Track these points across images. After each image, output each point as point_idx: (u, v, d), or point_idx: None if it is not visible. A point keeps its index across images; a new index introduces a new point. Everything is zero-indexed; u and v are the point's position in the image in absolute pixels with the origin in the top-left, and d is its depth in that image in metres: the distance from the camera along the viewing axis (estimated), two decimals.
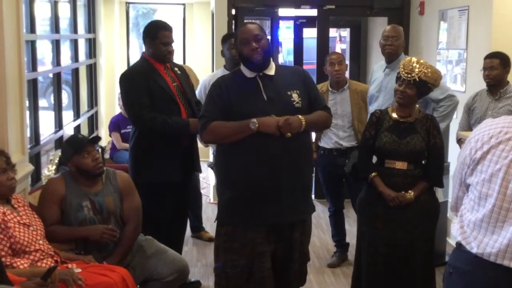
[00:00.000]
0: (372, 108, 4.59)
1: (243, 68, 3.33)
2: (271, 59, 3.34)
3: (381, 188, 3.66)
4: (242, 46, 3.26)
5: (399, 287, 3.67)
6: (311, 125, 3.31)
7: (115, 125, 6.53)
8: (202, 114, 3.34)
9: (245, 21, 6.85)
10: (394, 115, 3.69)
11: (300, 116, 3.22)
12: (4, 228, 3.06)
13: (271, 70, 3.32)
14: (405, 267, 3.63)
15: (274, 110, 3.18)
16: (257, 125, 3.13)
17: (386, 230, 3.64)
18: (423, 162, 3.71)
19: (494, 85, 4.50)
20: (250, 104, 3.19)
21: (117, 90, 7.24)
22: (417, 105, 3.71)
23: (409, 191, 3.60)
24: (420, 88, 3.60)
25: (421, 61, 3.62)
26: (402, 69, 3.60)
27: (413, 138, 3.61)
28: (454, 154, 4.64)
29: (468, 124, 4.62)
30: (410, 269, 3.63)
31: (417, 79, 3.55)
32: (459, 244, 2.28)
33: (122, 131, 6.45)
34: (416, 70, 3.55)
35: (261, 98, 3.24)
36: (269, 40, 3.34)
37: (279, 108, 3.19)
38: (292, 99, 3.26)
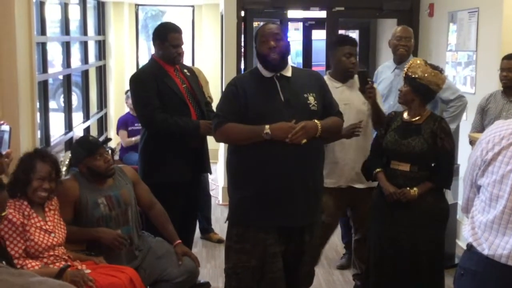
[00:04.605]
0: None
1: (260, 67, 3.33)
2: (288, 61, 3.35)
3: (382, 183, 3.67)
4: (260, 44, 3.27)
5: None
6: (326, 131, 3.32)
7: (123, 123, 6.52)
8: (216, 113, 3.36)
9: (254, 23, 6.87)
10: (405, 115, 3.70)
11: (317, 121, 3.23)
12: (22, 231, 3.06)
13: (288, 72, 3.32)
14: (411, 269, 3.61)
15: (290, 112, 3.18)
16: (270, 134, 3.13)
17: (392, 231, 3.64)
18: (432, 165, 3.69)
19: (510, 87, 4.48)
20: (267, 104, 3.19)
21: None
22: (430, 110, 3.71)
23: (414, 188, 3.58)
24: (417, 88, 3.57)
25: (424, 65, 3.59)
26: (406, 69, 3.62)
27: (414, 140, 3.59)
28: (464, 156, 4.62)
29: (482, 125, 4.61)
30: (416, 271, 3.61)
31: (413, 77, 3.56)
32: (470, 246, 2.28)
33: (130, 128, 6.44)
34: (419, 73, 3.55)
35: (278, 99, 3.24)
36: (289, 42, 3.35)
37: (295, 110, 3.19)
38: (309, 102, 3.26)
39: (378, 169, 3.71)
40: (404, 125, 3.67)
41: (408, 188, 3.57)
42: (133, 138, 6.25)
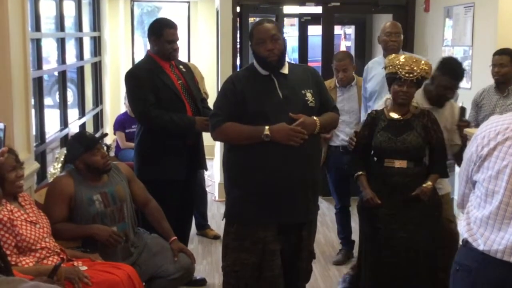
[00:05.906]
0: (376, 105, 4.57)
1: (256, 65, 3.31)
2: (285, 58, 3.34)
3: (362, 187, 3.68)
4: (258, 45, 3.23)
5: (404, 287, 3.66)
6: (324, 127, 3.32)
7: (120, 124, 6.52)
8: (214, 112, 3.33)
9: (250, 18, 6.86)
10: (392, 115, 3.69)
11: (315, 118, 3.22)
12: (10, 227, 3.05)
13: (285, 69, 3.30)
14: (409, 267, 3.60)
15: (289, 109, 3.16)
16: (269, 136, 3.13)
17: (387, 230, 3.62)
18: (424, 160, 3.69)
19: (503, 82, 4.49)
20: (266, 102, 3.17)
21: (122, 88, 7.25)
22: (414, 102, 3.70)
23: (428, 182, 3.58)
24: (419, 84, 3.65)
25: (414, 59, 3.61)
26: (400, 69, 3.56)
27: (409, 135, 3.60)
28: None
29: (477, 120, 4.61)
30: (415, 268, 3.60)
31: (420, 78, 3.58)
32: (466, 241, 2.28)
33: (127, 130, 6.44)
34: (417, 70, 3.55)
35: (277, 96, 3.22)
36: (285, 40, 3.33)
37: (294, 107, 3.18)
38: (307, 98, 3.25)
39: (359, 172, 3.73)
40: (393, 123, 3.67)
41: (423, 185, 3.57)
42: (132, 144, 6.24)
